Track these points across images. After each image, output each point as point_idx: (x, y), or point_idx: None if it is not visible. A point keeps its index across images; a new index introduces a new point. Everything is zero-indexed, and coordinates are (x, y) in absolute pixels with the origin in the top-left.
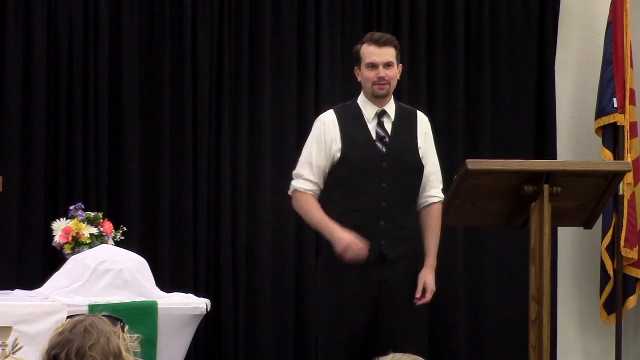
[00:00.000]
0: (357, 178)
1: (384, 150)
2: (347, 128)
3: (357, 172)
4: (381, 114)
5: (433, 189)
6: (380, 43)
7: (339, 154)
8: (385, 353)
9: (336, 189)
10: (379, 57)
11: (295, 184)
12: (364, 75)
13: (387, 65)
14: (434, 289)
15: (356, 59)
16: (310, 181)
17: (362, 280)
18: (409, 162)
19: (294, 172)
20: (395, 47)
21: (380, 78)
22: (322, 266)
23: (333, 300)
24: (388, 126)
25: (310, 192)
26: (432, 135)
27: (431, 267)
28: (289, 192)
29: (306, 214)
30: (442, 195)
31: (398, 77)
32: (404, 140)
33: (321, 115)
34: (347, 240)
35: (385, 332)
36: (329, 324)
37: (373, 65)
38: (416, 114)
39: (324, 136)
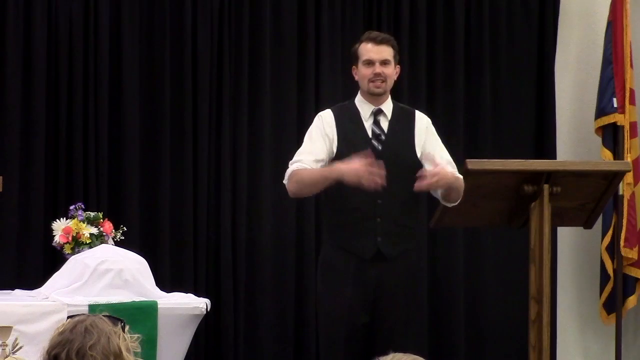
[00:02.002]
0: None
1: (379, 148)
2: (343, 127)
3: None
4: (377, 113)
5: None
6: (377, 41)
7: (335, 152)
8: (385, 353)
9: (332, 187)
10: (376, 55)
11: (291, 167)
12: (361, 72)
13: (384, 62)
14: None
15: (354, 58)
16: (308, 164)
17: (361, 280)
18: (406, 159)
19: (291, 161)
20: (393, 47)
21: (377, 74)
22: (321, 265)
23: (331, 300)
24: (384, 124)
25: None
26: (434, 130)
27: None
28: (284, 181)
29: (305, 179)
30: (460, 176)
31: (395, 77)
32: (401, 138)
33: (320, 113)
34: (357, 170)
35: (385, 332)
36: (327, 323)
37: (370, 63)
38: (414, 113)
39: (323, 131)
